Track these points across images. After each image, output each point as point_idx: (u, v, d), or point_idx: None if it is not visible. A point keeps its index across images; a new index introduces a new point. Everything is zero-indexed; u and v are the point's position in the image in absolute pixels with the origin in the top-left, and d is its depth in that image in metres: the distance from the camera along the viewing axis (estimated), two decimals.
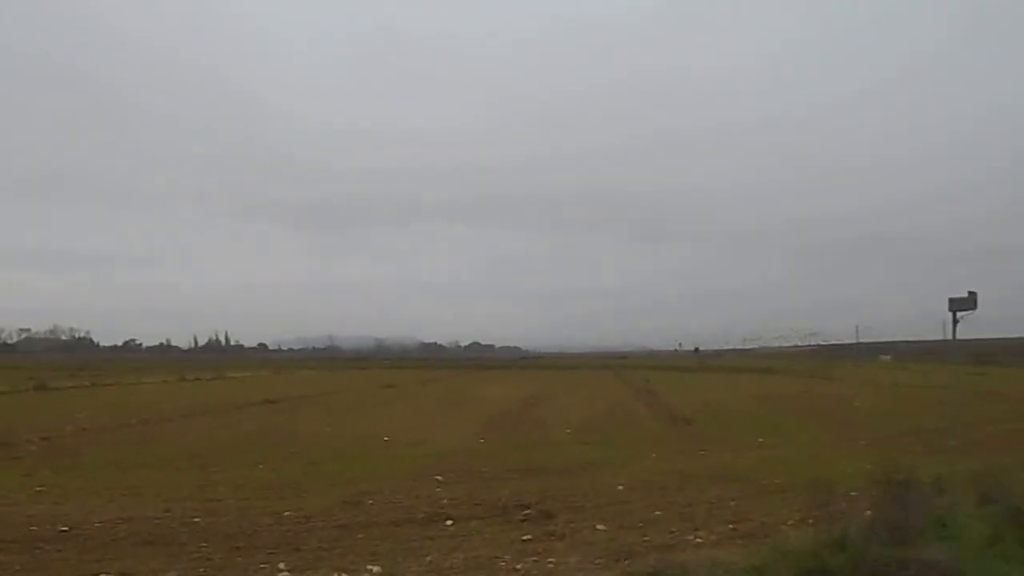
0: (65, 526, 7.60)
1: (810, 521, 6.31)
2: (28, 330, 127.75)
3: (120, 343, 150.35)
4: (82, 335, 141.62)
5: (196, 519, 8.03)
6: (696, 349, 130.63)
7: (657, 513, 8.19)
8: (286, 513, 8.29)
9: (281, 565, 6.39)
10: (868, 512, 5.56)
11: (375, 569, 6.14)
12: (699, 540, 6.83)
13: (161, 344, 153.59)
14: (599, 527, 7.51)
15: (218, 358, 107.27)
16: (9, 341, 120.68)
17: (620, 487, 9.77)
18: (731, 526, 7.41)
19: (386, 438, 15.30)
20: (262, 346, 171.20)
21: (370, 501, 8.93)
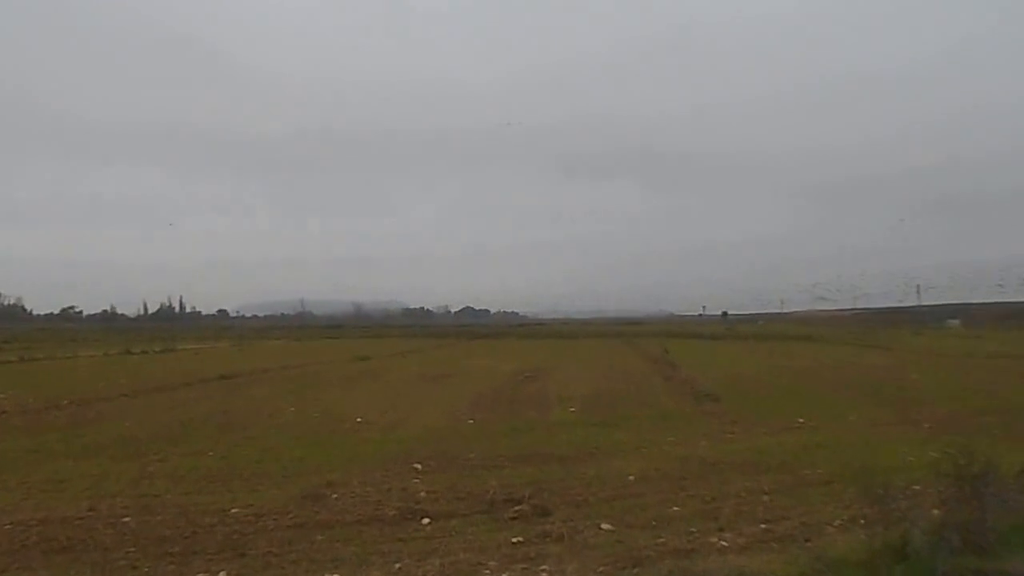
0: None
1: (861, 522, 6.11)
2: None
3: (56, 311, 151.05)
4: (11, 302, 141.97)
5: (126, 519, 7.86)
6: (724, 314, 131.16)
7: (674, 509, 8.03)
8: (233, 510, 8.12)
9: (222, 574, 6.19)
10: (935, 512, 5.34)
11: None
12: (724, 543, 6.63)
13: (104, 312, 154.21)
14: (604, 526, 7.33)
15: (170, 328, 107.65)
16: None
17: (631, 477, 9.62)
18: (764, 526, 7.22)
19: (358, 419, 15.22)
20: (222, 313, 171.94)
21: (334, 495, 8.77)
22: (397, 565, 6.32)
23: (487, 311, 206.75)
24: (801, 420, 14.57)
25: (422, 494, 8.73)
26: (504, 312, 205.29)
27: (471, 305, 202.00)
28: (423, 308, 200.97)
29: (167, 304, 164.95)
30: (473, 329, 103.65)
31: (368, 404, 17.83)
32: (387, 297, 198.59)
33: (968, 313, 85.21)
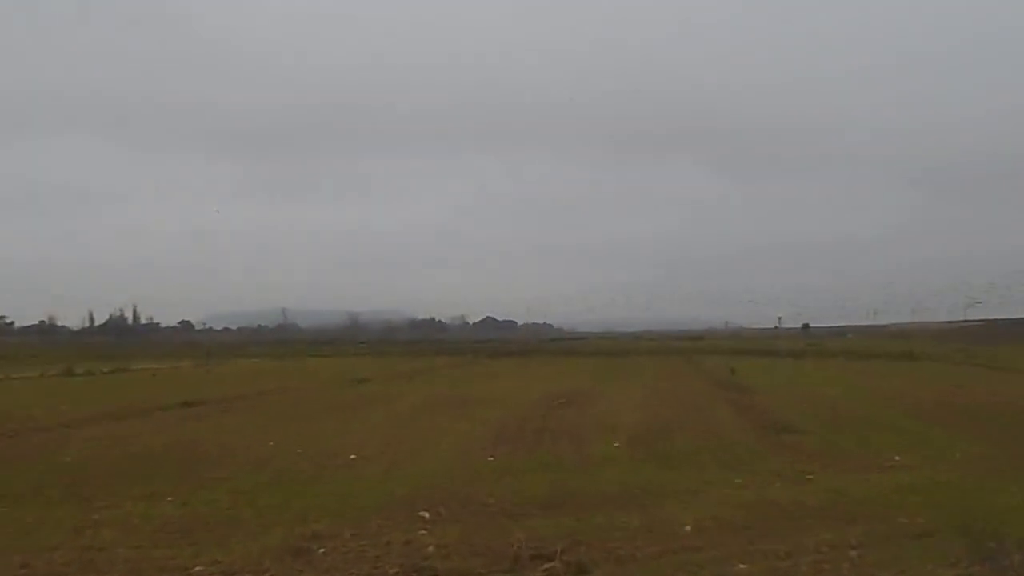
0: None
1: None
2: None
3: None
4: None
5: None
6: (805, 326, 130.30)
7: (740, 567, 8.00)
8: (197, 568, 8.20)
9: None
10: None
11: None
12: None
13: (41, 323, 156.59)
14: None
15: (122, 343, 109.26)
16: None
17: (687, 527, 9.58)
18: None
19: (352, 456, 15.29)
20: (185, 325, 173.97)
21: (321, 549, 8.83)
22: None
23: (513, 323, 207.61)
24: (897, 457, 14.49)
25: (430, 549, 8.75)
26: (534, 324, 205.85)
27: (493, 316, 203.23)
28: (434, 319, 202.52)
29: (118, 314, 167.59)
30: (495, 345, 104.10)
31: (365, 437, 17.90)
32: (389, 306, 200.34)
33: None
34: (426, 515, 10.36)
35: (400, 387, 34.81)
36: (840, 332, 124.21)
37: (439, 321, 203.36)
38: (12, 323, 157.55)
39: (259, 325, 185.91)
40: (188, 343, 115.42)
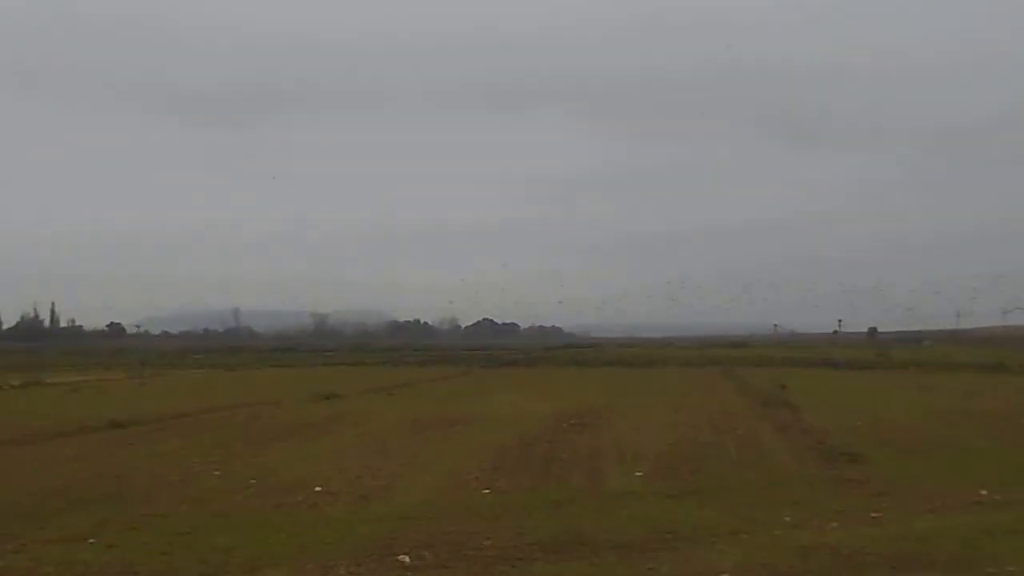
0: None
1: None
2: None
3: None
4: None
5: None
6: (872, 331, 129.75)
7: None
8: None
9: None
10: None
11: None
12: None
13: None
14: None
15: (36, 350, 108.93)
16: None
17: None
18: None
19: (317, 488, 15.32)
20: (115, 328, 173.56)
21: None
22: None
23: (515, 326, 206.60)
24: (983, 492, 14.45)
25: None
26: (539, 328, 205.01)
27: (490, 317, 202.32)
28: (419, 322, 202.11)
29: (31, 315, 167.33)
30: (494, 353, 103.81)
31: (333, 466, 17.92)
32: (364, 306, 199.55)
33: None
34: (406, 560, 10.35)
35: (377, 404, 34.82)
36: (915, 338, 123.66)
37: (425, 324, 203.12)
38: None
39: (205, 329, 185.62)
40: (118, 350, 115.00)
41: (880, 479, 15.91)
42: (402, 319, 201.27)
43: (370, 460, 18.79)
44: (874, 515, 12.86)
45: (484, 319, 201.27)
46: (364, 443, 22.06)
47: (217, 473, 17.10)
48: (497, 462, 18.30)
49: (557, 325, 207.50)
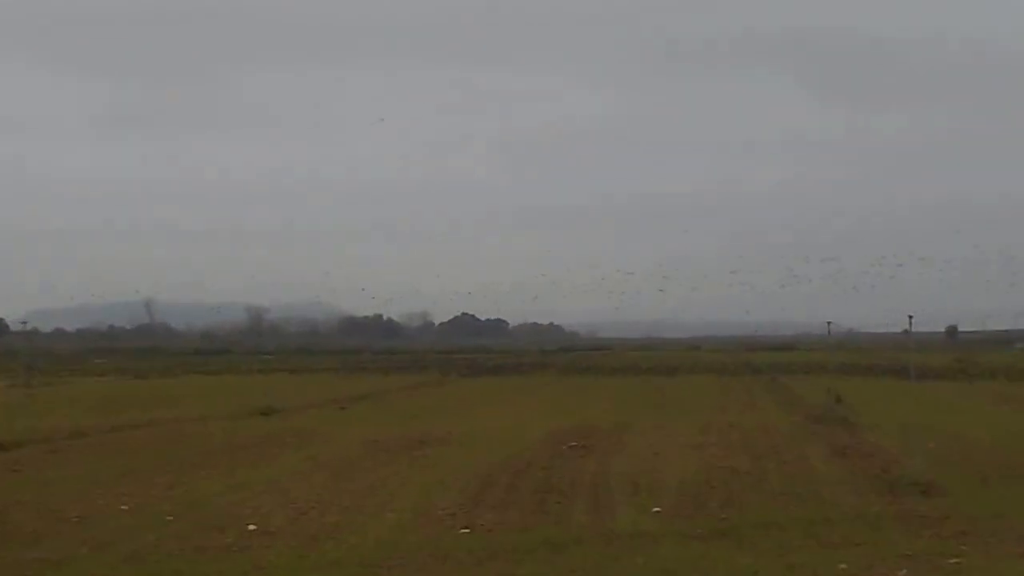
0: None
1: None
2: None
3: None
4: None
5: None
6: (951, 331, 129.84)
7: None
8: None
9: None
10: None
11: None
12: None
13: None
14: None
15: None
16: None
17: None
18: None
19: (251, 527, 15.34)
20: None
21: None
22: None
23: (501, 324, 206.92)
24: None
25: None
26: (533, 326, 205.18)
27: (471, 313, 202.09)
28: (381, 318, 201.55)
29: None
30: (475, 357, 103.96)
31: (273, 498, 17.95)
32: (311, 298, 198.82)
33: None
34: None
35: (328, 420, 34.85)
36: (1005, 340, 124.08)
37: (389, 320, 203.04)
38: None
39: (111, 326, 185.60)
40: None
41: (960, 516, 15.84)
42: (360, 314, 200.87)
43: (318, 491, 18.73)
44: (953, 561, 12.87)
45: (464, 315, 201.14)
46: (311, 470, 22.01)
47: (125, 507, 16.99)
48: (479, 494, 18.25)
49: (556, 323, 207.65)
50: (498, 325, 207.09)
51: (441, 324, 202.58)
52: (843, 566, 12.50)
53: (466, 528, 15.25)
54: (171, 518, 16.05)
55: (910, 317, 62.02)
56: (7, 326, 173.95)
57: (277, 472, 21.85)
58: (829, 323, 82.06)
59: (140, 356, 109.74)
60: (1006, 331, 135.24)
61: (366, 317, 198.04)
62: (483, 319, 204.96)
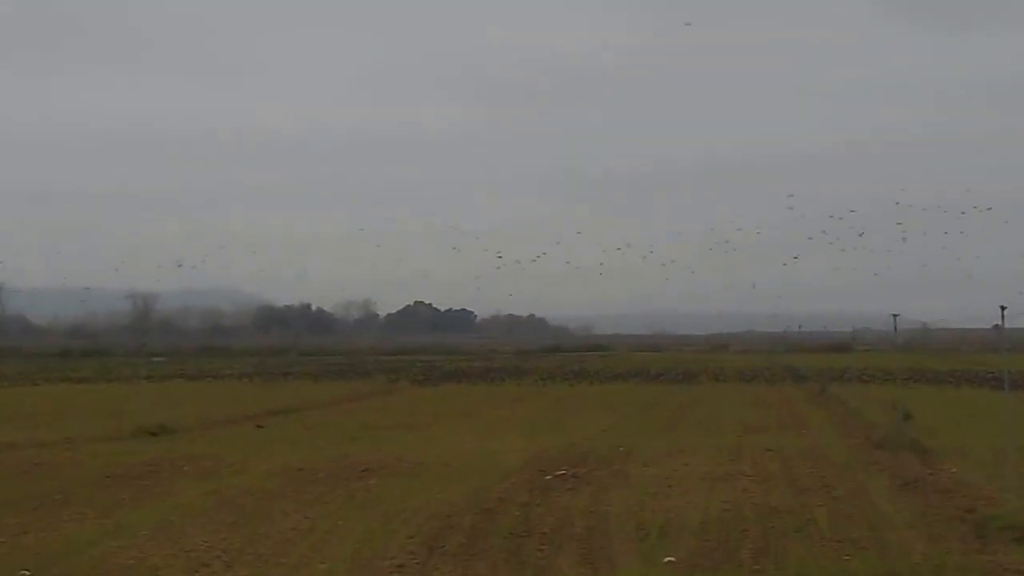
0: None
1: None
2: None
3: None
4: None
5: None
6: None
7: None
8: None
9: None
10: None
11: None
12: None
13: None
14: None
15: None
16: None
17: None
18: None
19: None
20: None
21: None
22: None
23: (468, 315, 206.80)
24: None
25: None
26: (509, 319, 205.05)
27: (426, 301, 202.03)
28: (309, 308, 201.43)
29: None
30: (433, 361, 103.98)
31: (163, 545, 17.92)
32: (213, 284, 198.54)
33: None
34: None
35: (238, 442, 34.98)
36: None
37: (319, 311, 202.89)
38: None
39: None
40: None
41: None
42: (281, 303, 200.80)
43: (224, 536, 18.69)
44: None
45: (417, 303, 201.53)
46: (215, 508, 21.97)
47: None
48: (436, 540, 18.21)
49: (538, 315, 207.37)
50: (462, 317, 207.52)
51: (388, 316, 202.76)
52: None
53: None
54: (27, 572, 15.97)
55: (1003, 308, 62.34)
56: None
57: (169, 511, 21.71)
58: (895, 316, 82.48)
59: None
60: None
61: (289, 307, 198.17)
62: (443, 309, 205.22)
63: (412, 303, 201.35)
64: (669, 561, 16.56)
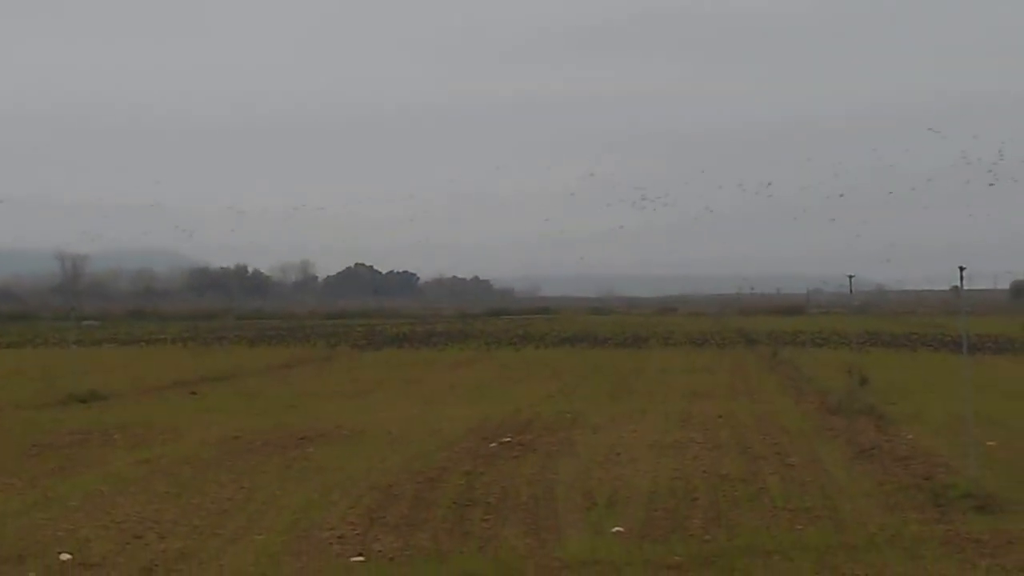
0: None
1: None
2: None
3: None
4: None
5: None
6: (1018, 288, 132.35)
7: None
8: None
9: None
10: None
11: None
12: None
13: None
14: None
15: None
16: None
17: None
18: None
19: (65, 555, 15.27)
20: None
21: None
22: None
23: (410, 278, 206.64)
24: None
25: None
26: (453, 281, 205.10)
27: (368, 264, 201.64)
28: (245, 270, 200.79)
29: None
30: (374, 325, 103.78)
31: (93, 516, 17.86)
32: (146, 245, 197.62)
33: None
34: None
35: (171, 409, 34.84)
36: None
37: (256, 273, 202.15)
38: None
39: None
40: None
41: None
42: (216, 265, 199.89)
43: (157, 507, 18.60)
44: None
45: (357, 266, 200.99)
46: (147, 478, 21.87)
47: None
48: (377, 510, 18.20)
49: (483, 277, 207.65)
50: (405, 280, 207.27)
51: (327, 279, 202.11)
52: None
53: (360, 556, 15.20)
54: None
55: (961, 269, 62.78)
56: None
57: (100, 481, 21.59)
58: (851, 277, 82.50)
59: None
60: None
61: (224, 269, 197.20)
62: (385, 272, 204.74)
63: (352, 265, 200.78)
64: (617, 531, 16.58)
